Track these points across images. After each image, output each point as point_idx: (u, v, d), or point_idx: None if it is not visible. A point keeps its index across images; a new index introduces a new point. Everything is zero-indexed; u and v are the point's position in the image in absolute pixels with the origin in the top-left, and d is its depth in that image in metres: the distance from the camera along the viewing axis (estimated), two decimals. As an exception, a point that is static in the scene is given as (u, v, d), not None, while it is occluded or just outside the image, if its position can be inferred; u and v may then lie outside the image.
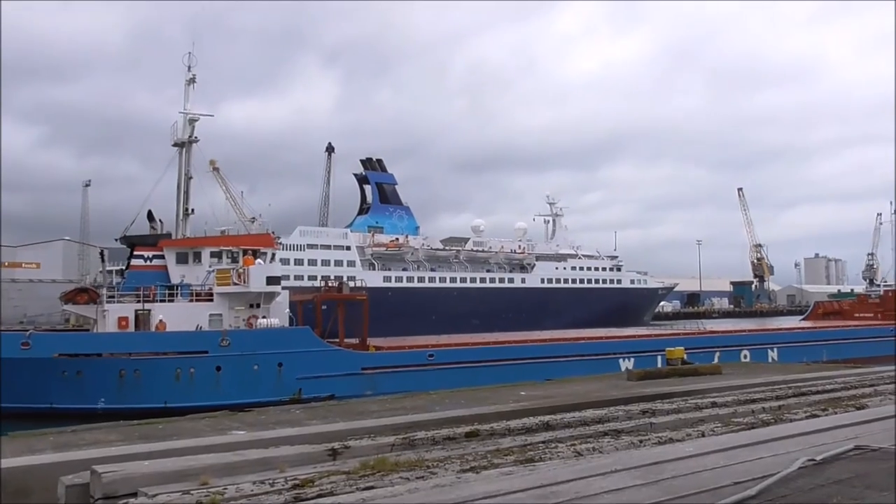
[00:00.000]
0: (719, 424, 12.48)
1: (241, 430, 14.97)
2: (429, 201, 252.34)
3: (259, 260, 36.42)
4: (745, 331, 57.23)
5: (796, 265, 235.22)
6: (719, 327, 64.27)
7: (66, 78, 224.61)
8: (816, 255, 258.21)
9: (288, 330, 35.77)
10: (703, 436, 11.25)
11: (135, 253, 37.48)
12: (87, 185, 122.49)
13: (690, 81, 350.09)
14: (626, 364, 38.00)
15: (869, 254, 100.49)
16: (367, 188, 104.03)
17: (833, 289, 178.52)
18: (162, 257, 37.11)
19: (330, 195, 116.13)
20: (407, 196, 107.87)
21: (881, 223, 77.84)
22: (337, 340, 37.00)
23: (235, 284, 35.07)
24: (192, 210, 39.42)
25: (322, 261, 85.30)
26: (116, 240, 41.80)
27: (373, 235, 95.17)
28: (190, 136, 39.31)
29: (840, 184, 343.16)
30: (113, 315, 33.79)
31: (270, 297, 36.13)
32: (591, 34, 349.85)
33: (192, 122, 39.55)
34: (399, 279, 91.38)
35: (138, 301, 34.11)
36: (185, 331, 33.53)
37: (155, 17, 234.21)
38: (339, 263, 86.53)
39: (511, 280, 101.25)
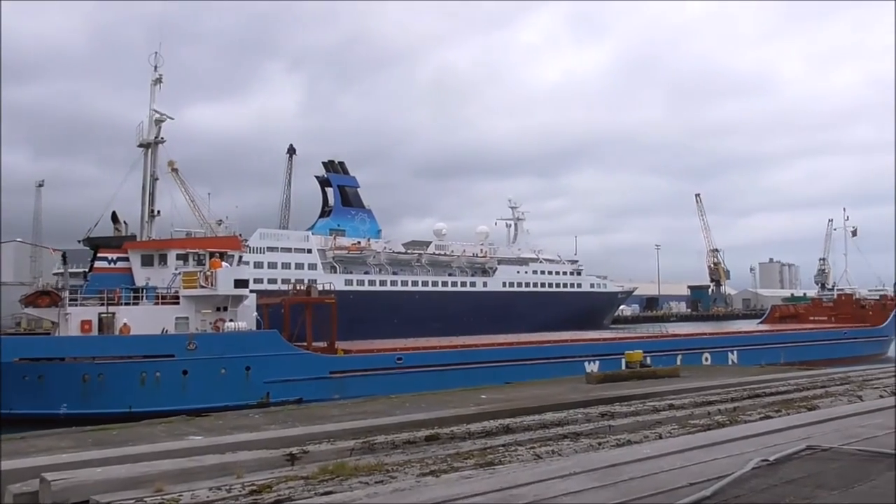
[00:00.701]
0: (676, 426, 12.66)
1: (199, 436, 14.75)
2: (393, 206, 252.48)
3: (226, 263, 35.99)
4: (706, 334, 58.22)
5: (751, 270, 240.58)
6: (681, 331, 65.22)
7: (22, 78, 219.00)
8: (771, 260, 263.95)
9: (256, 333, 35.36)
10: (661, 438, 11.40)
11: (98, 255, 36.72)
12: (41, 186, 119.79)
13: (650, 92, 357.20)
14: (592, 367, 38.43)
15: (821, 259, 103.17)
16: (329, 191, 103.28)
17: (787, 293, 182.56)
18: (126, 259, 36.45)
19: (291, 198, 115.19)
20: (371, 201, 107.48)
21: (834, 229, 79.82)
22: (305, 344, 36.66)
23: (203, 287, 34.53)
24: (158, 212, 38.82)
25: (282, 264, 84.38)
26: (80, 241, 40.91)
27: (334, 238, 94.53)
28: (156, 137, 38.76)
29: (793, 192, 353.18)
30: (75, 318, 32.96)
31: (238, 300, 35.70)
32: (553, 45, 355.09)
33: (158, 122, 38.99)
34: (361, 282, 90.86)
35: (102, 304, 33.38)
36: (150, 334, 32.90)
37: (117, 20, 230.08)
38: (299, 266, 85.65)
39: (473, 284, 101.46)
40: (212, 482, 8.92)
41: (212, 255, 36.23)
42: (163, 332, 33.30)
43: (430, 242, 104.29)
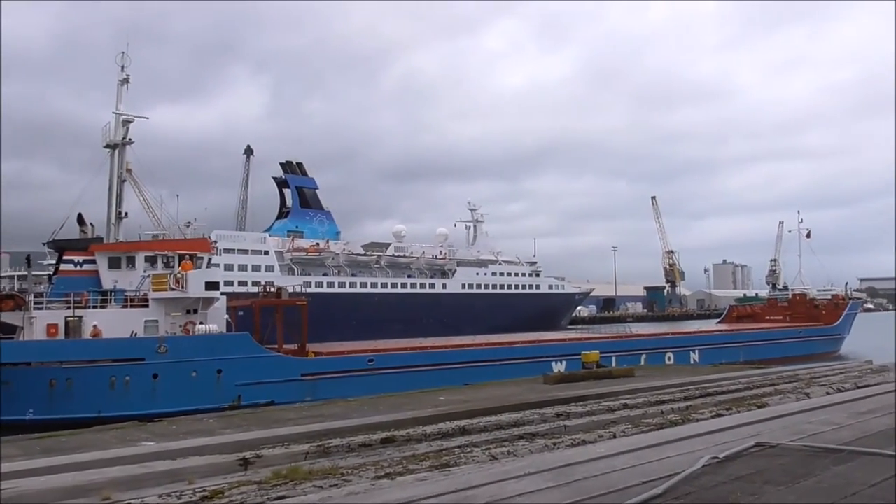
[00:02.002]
0: (630, 426, 12.82)
1: (151, 441, 14.49)
2: (355, 208, 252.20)
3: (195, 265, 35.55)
4: (668, 334, 59.17)
5: (706, 271, 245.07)
6: (645, 331, 66.17)
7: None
8: (724, 262, 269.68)
9: (227, 336, 34.84)
10: (615, 437, 11.53)
11: (64, 257, 35.87)
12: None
13: (611, 99, 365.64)
14: (559, 367, 38.95)
15: (772, 260, 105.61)
16: (287, 192, 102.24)
17: (739, 293, 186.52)
18: (93, 262, 35.65)
19: (249, 199, 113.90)
20: (333, 203, 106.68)
21: (789, 231, 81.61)
22: (276, 346, 36.33)
23: (173, 290, 33.93)
24: (126, 213, 38.12)
25: (239, 266, 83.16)
26: (45, 244, 40.12)
27: (292, 240, 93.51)
28: (124, 138, 38.11)
29: (746, 196, 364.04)
30: (41, 322, 32.02)
31: (209, 302, 35.21)
32: (518, 52, 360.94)
33: (125, 123, 38.34)
34: (319, 284, 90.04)
35: (68, 307, 32.51)
36: (120, 338, 32.23)
37: (80, 22, 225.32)
38: (256, 269, 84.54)
39: (432, 285, 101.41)
40: (161, 489, 8.76)
41: (181, 257, 35.74)
42: (132, 335, 32.76)
43: (389, 244, 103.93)
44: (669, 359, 48.36)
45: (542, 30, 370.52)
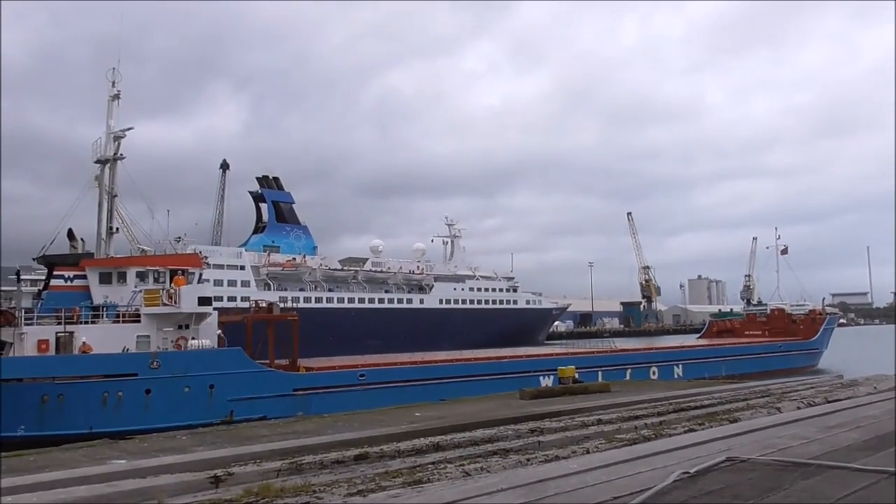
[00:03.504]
0: (603, 441, 12.86)
1: (122, 459, 14.27)
2: (332, 224, 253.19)
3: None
4: (653, 349, 59.69)
5: (681, 286, 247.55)
6: (629, 346, 66.62)
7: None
8: (699, 277, 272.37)
9: (220, 351, 34.68)
10: (588, 452, 11.55)
11: (55, 273, 35.51)
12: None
13: (583, 118, 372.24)
14: (547, 381, 39.14)
15: (746, 275, 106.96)
16: (264, 207, 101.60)
17: (714, 308, 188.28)
18: (84, 277, 35.28)
19: (224, 213, 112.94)
20: (310, 219, 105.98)
21: (766, 247, 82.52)
22: (267, 361, 36.20)
23: (165, 305, 33.78)
24: (117, 229, 37.94)
25: (214, 281, 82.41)
26: (34, 259, 39.79)
27: (268, 255, 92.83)
28: (115, 154, 38.10)
29: (717, 212, 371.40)
30: (32, 338, 31.63)
31: (201, 317, 35.12)
32: (494, 72, 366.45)
33: (116, 139, 38.41)
34: (296, 300, 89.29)
35: (59, 323, 32.13)
36: (112, 353, 31.93)
37: (59, 38, 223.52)
38: (232, 283, 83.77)
39: (409, 301, 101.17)
40: (130, 508, 8.62)
41: (172, 272, 35.68)
42: (124, 350, 32.52)
43: (366, 259, 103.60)
44: (654, 373, 48.82)
45: (517, 51, 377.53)
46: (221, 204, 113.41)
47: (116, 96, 39.31)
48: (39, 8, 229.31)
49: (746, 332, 71.82)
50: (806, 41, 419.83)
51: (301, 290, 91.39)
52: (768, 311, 75.54)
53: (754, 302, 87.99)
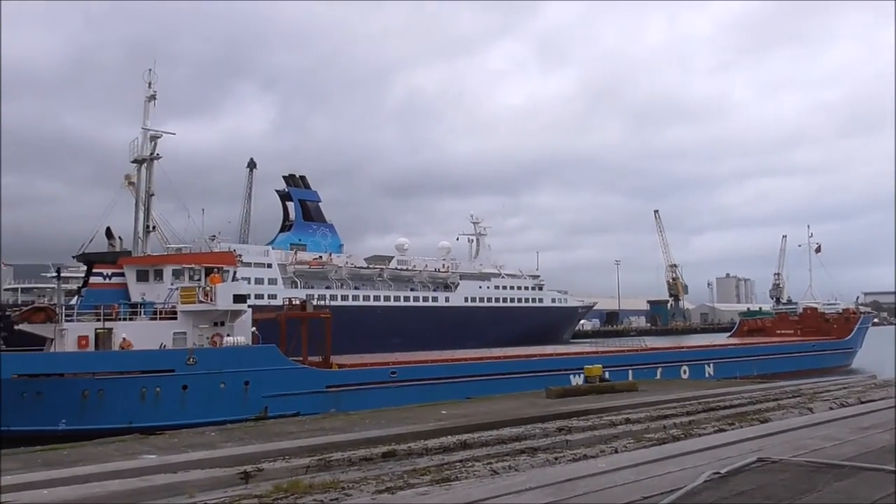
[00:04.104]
0: (632, 440, 12.77)
1: (152, 454, 14.46)
2: (356, 223, 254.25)
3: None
4: (683, 347, 59.15)
5: (709, 285, 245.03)
6: (659, 344, 66.12)
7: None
8: (728, 275, 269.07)
9: (255, 348, 35.23)
10: (616, 452, 11.48)
11: (94, 270, 36.36)
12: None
13: (608, 117, 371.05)
14: (577, 380, 38.83)
15: (775, 274, 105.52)
16: (290, 205, 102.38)
17: (743, 307, 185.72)
18: (121, 275, 36.06)
19: (251, 212, 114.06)
20: (335, 217, 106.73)
21: (799, 245, 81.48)
22: (300, 358, 36.66)
23: (202, 302, 34.46)
24: (154, 227, 38.77)
25: (242, 278, 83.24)
26: (74, 257, 40.81)
27: (295, 253, 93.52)
28: (152, 154, 38.98)
29: (744, 210, 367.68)
30: (72, 334, 32.37)
31: (236, 314, 35.73)
32: (520, 71, 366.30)
33: (153, 138, 39.26)
34: (322, 298, 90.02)
35: (98, 319, 32.84)
36: (150, 349, 32.58)
37: (93, 41, 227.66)
38: (259, 281, 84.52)
39: (435, 299, 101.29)
40: (162, 502, 8.74)
41: (207, 270, 36.33)
42: (161, 346, 33.11)
43: (392, 257, 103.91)
44: (685, 372, 48.50)
45: (542, 50, 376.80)
46: (249, 203, 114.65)
47: (153, 97, 40.22)
48: (73, 8, 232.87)
49: (778, 332, 70.96)
50: (832, 40, 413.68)
51: (327, 287, 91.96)
52: (800, 310, 74.53)
53: (784, 301, 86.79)
